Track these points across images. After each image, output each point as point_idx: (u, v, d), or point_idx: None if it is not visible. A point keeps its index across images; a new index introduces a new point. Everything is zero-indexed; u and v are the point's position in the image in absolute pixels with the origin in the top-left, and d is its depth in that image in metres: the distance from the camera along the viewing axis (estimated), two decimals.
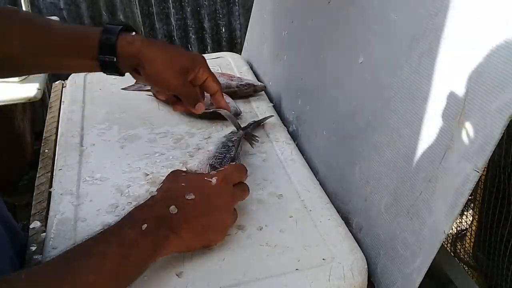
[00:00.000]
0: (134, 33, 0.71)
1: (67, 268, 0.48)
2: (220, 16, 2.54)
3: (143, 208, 0.56)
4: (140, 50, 0.70)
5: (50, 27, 0.70)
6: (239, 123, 0.87)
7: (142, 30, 2.49)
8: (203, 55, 1.28)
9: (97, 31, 0.69)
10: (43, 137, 0.94)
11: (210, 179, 0.61)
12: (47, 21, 0.73)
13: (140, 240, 0.52)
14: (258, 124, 0.89)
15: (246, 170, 0.67)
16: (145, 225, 0.53)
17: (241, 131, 0.84)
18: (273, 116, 0.92)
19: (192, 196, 0.58)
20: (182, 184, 0.60)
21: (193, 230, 0.57)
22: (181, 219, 0.56)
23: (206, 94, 0.82)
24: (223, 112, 0.82)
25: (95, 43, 0.68)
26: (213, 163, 0.73)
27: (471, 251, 0.90)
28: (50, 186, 0.76)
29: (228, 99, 0.93)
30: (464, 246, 0.92)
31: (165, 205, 0.56)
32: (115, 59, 0.69)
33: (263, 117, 0.91)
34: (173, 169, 0.66)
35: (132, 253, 0.51)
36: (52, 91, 1.11)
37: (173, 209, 0.56)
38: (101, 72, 0.72)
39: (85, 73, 1.12)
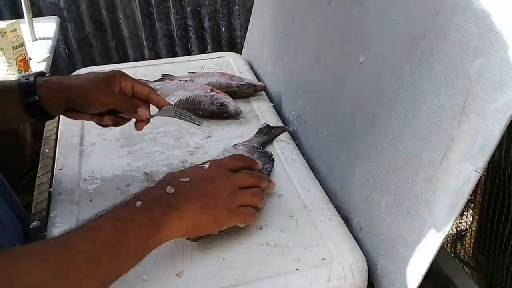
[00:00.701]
0: (47, 75, 0.70)
1: (63, 241, 0.49)
2: (220, 15, 2.55)
3: (137, 193, 0.57)
4: (59, 84, 0.69)
5: None
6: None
7: (142, 30, 2.49)
8: (203, 55, 1.29)
9: (14, 81, 0.69)
10: (43, 137, 0.94)
11: (203, 165, 0.63)
12: None
13: (136, 216, 0.52)
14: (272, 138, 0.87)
15: (245, 160, 0.68)
16: (139, 202, 0.53)
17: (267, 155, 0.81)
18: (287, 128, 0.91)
19: (187, 179, 0.59)
20: (177, 173, 0.61)
21: (194, 206, 0.57)
22: (179, 197, 0.56)
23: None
24: (169, 110, 0.75)
25: (15, 89, 0.67)
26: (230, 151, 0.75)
27: (471, 252, 0.90)
28: (50, 186, 0.76)
29: (228, 98, 0.93)
30: (464, 246, 0.92)
31: (160, 187, 0.57)
32: (36, 98, 0.67)
33: (276, 128, 0.89)
34: (173, 168, 0.66)
35: (128, 228, 0.51)
36: None
37: (169, 189, 0.56)
38: None
39: (86, 73, 1.12)
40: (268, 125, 0.89)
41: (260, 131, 0.87)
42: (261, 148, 0.81)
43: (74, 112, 0.70)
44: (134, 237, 0.51)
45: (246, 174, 0.65)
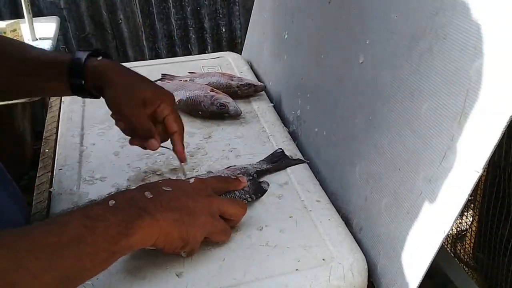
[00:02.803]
0: (100, 57, 0.70)
1: (27, 231, 0.47)
2: (221, 16, 2.54)
3: (113, 193, 0.55)
4: (104, 72, 0.68)
5: (25, 50, 0.70)
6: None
7: (143, 30, 2.49)
8: (203, 55, 1.29)
9: (67, 56, 0.69)
10: (43, 137, 0.94)
11: (188, 180, 0.62)
12: (21, 44, 0.73)
13: (107, 215, 0.49)
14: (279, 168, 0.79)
15: (228, 181, 0.67)
16: (113, 201, 0.51)
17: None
18: (307, 162, 0.81)
19: (169, 189, 0.57)
20: (160, 181, 0.60)
21: (170, 216, 0.54)
22: (157, 203, 0.54)
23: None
24: (176, 156, 0.73)
25: (64, 67, 0.68)
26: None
27: (471, 252, 0.90)
28: (50, 186, 0.76)
29: (228, 99, 0.93)
30: (464, 246, 0.92)
31: (139, 191, 0.55)
32: (83, 82, 0.68)
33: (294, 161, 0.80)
34: (173, 169, 0.66)
35: (97, 226, 0.48)
36: None
37: (148, 194, 0.54)
38: None
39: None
40: (282, 152, 0.82)
41: (272, 156, 0.80)
42: (257, 176, 0.74)
43: None
44: (102, 236, 0.48)
45: (217, 182, 0.64)
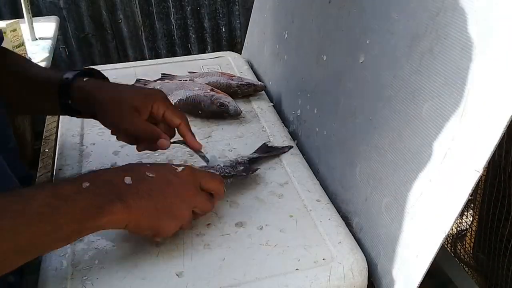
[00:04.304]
0: (86, 78, 0.70)
1: None
2: (220, 15, 2.55)
3: (91, 172, 0.54)
4: (89, 93, 0.68)
5: (27, 70, 0.73)
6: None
7: (142, 29, 2.49)
8: (203, 54, 1.29)
9: (59, 76, 0.70)
10: (43, 137, 0.94)
11: (177, 168, 0.60)
12: (24, 60, 0.78)
13: (77, 197, 0.49)
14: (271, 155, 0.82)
15: (222, 184, 0.64)
16: (87, 184, 0.50)
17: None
18: (292, 147, 0.84)
19: (153, 175, 0.56)
20: (148, 164, 0.59)
21: (144, 206, 0.54)
22: (133, 191, 0.53)
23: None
24: (191, 148, 0.74)
25: (55, 87, 0.69)
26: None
27: (471, 251, 0.90)
28: None
29: (228, 98, 0.93)
30: (464, 246, 0.92)
31: (120, 174, 0.55)
32: (69, 102, 0.69)
33: (279, 148, 0.83)
34: None
35: (61, 206, 0.48)
36: None
37: (127, 179, 0.54)
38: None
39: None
40: (267, 145, 0.84)
41: (261, 148, 0.83)
42: (249, 164, 0.76)
43: None
44: (64, 217, 0.48)
45: (208, 178, 0.62)
